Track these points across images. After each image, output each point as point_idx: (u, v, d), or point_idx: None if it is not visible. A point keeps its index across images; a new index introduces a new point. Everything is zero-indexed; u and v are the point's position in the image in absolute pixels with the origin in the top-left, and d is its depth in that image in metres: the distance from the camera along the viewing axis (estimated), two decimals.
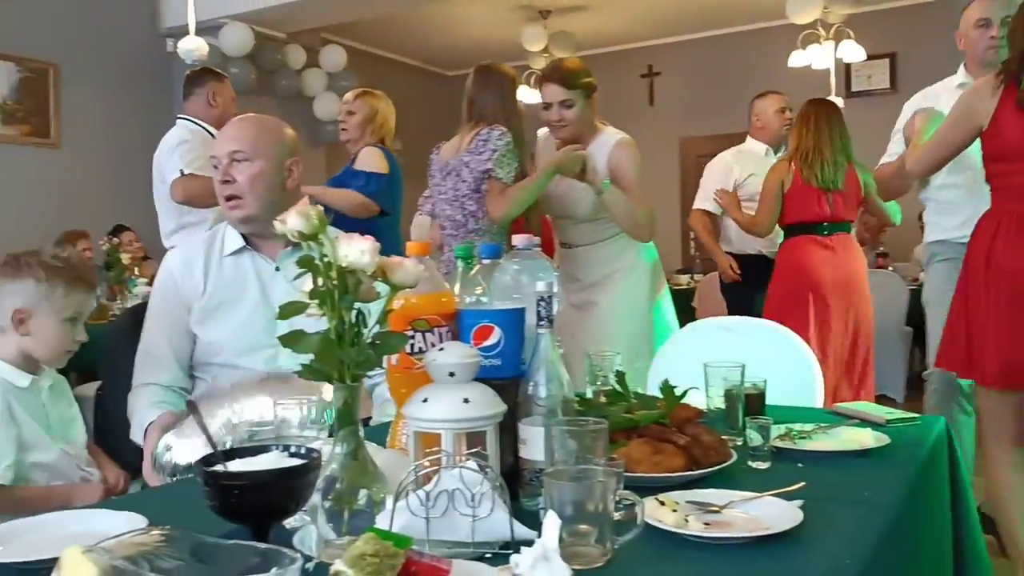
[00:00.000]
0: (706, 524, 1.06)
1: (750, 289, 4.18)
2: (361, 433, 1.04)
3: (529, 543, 0.86)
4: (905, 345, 5.59)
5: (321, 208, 1.03)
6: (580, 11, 8.00)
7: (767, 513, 1.10)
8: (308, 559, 0.94)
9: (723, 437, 1.38)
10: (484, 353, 1.18)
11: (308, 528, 1.05)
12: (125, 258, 4.69)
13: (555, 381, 1.18)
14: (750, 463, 1.37)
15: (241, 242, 1.99)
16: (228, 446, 1.31)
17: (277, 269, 1.98)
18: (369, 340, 1.01)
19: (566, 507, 0.95)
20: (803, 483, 1.21)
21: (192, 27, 5.34)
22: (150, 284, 3.87)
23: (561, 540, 0.85)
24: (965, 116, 2.51)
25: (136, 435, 1.88)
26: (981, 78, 2.57)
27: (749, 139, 4.46)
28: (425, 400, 1.08)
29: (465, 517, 0.98)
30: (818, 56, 6.86)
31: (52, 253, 1.83)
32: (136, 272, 4.79)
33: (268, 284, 1.97)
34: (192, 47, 5.24)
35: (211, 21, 6.10)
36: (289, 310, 1.02)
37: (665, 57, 9.05)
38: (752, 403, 1.55)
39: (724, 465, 1.30)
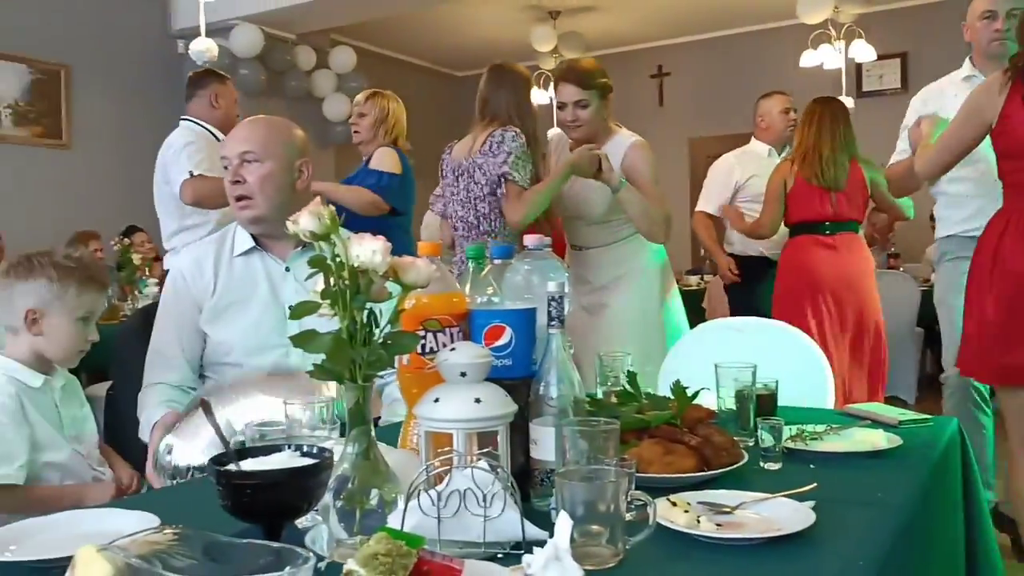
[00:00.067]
0: (718, 525, 1.05)
1: (751, 290, 4.19)
2: (373, 433, 1.04)
3: (541, 543, 0.86)
4: (916, 346, 5.57)
5: (333, 208, 1.03)
6: (590, 11, 8.00)
7: (779, 514, 1.09)
8: (320, 559, 0.94)
9: (734, 438, 1.38)
10: (495, 353, 1.18)
11: (320, 528, 1.05)
12: (136, 259, 4.71)
13: (566, 381, 1.18)
14: (762, 464, 1.37)
15: (251, 243, 2.00)
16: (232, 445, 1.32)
17: (287, 270, 1.99)
18: (381, 340, 1.02)
19: (578, 507, 0.95)
20: (815, 484, 1.21)
21: (203, 29, 5.37)
22: (161, 284, 3.88)
23: (573, 540, 0.85)
24: (973, 113, 2.49)
25: (144, 433, 1.89)
26: (988, 76, 2.56)
27: (753, 140, 4.46)
28: (437, 400, 1.08)
29: (477, 517, 0.98)
30: (829, 56, 6.84)
31: (64, 253, 1.84)
32: (147, 272, 4.81)
33: (278, 284, 1.98)
34: (203, 48, 5.26)
35: (221, 23, 6.12)
36: (301, 310, 1.02)
37: (675, 57, 9.03)
38: (764, 404, 1.55)
39: (736, 466, 1.29)
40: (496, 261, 1.35)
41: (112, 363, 2.35)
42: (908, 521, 1.15)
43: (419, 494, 0.98)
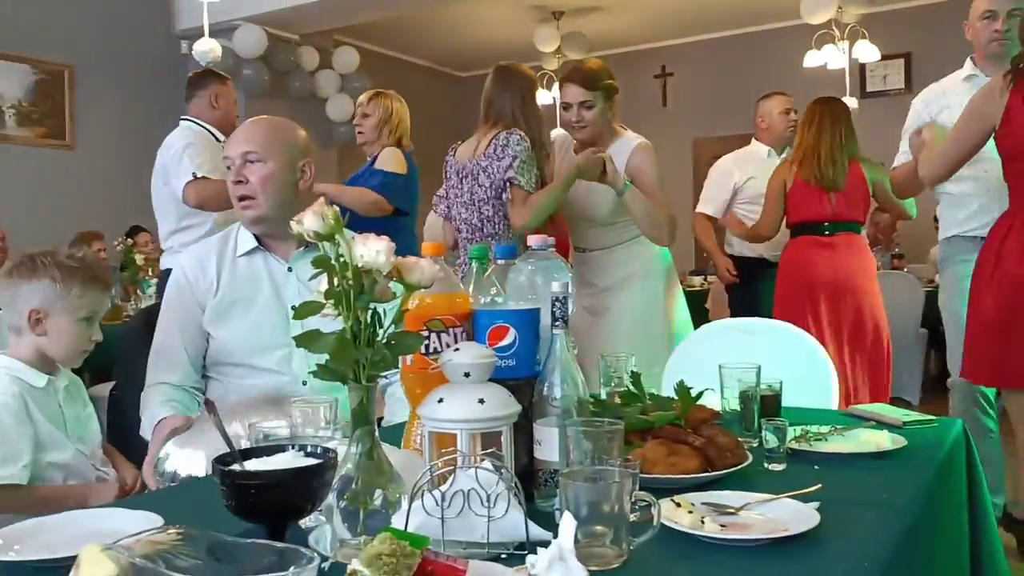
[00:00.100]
0: (722, 526, 1.05)
1: (750, 290, 4.20)
2: (376, 433, 1.04)
3: (545, 544, 0.86)
4: (921, 347, 5.55)
5: (337, 208, 1.03)
6: (593, 12, 8.00)
7: (784, 515, 1.09)
8: (324, 559, 0.94)
9: (739, 439, 1.37)
10: (499, 353, 1.17)
11: (323, 528, 1.05)
12: (139, 259, 4.72)
13: (570, 382, 1.18)
14: (766, 465, 1.37)
15: (254, 243, 2.00)
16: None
17: (290, 270, 1.99)
18: (384, 340, 1.02)
19: (582, 508, 0.95)
20: (820, 485, 1.21)
21: (206, 29, 5.38)
22: (159, 285, 3.88)
23: (577, 541, 0.85)
24: (975, 117, 2.49)
25: (146, 432, 1.89)
26: (990, 78, 2.55)
27: (753, 141, 4.46)
28: (440, 400, 1.08)
29: (480, 517, 0.98)
30: (833, 56, 6.83)
31: (68, 253, 1.84)
32: (150, 273, 4.81)
33: (281, 285, 1.98)
34: (206, 49, 5.27)
35: (225, 23, 6.13)
36: (305, 310, 1.02)
37: (678, 58, 9.03)
38: (768, 405, 1.54)
39: (740, 467, 1.29)
40: (500, 261, 1.35)
41: (115, 363, 2.35)
42: (913, 522, 1.14)
43: (423, 494, 0.98)
